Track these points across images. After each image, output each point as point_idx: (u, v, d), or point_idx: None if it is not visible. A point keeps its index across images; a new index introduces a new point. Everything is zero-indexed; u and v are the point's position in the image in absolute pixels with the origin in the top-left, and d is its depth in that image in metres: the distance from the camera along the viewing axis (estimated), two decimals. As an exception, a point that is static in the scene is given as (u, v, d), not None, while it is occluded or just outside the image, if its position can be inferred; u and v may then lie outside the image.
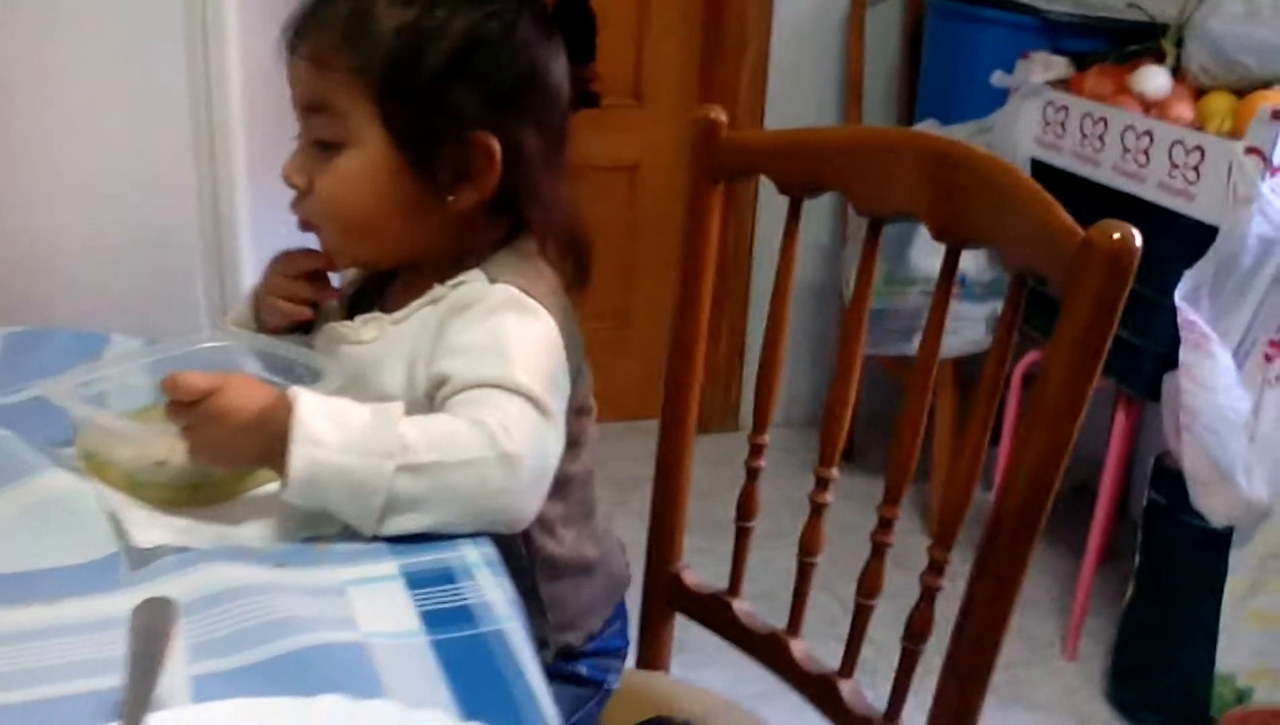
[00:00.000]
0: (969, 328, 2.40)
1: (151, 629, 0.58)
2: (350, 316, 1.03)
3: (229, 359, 0.99)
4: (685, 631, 1.27)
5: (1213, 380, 1.80)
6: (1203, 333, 1.80)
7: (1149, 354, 1.96)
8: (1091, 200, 2.05)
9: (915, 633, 1.04)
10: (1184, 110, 2.03)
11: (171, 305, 1.67)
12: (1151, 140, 1.98)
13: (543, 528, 1.02)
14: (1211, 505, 1.86)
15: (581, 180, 1.03)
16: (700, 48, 2.84)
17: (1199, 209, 1.88)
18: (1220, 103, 1.99)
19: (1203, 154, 1.87)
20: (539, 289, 0.95)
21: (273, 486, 0.88)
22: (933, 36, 2.68)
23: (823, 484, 1.12)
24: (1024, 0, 2.47)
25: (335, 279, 1.08)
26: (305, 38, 0.95)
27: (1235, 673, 1.93)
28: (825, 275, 2.87)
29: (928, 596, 1.03)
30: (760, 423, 1.17)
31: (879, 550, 1.08)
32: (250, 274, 1.66)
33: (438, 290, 0.96)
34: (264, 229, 1.68)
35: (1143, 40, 2.23)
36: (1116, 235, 0.84)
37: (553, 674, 0.85)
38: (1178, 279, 1.81)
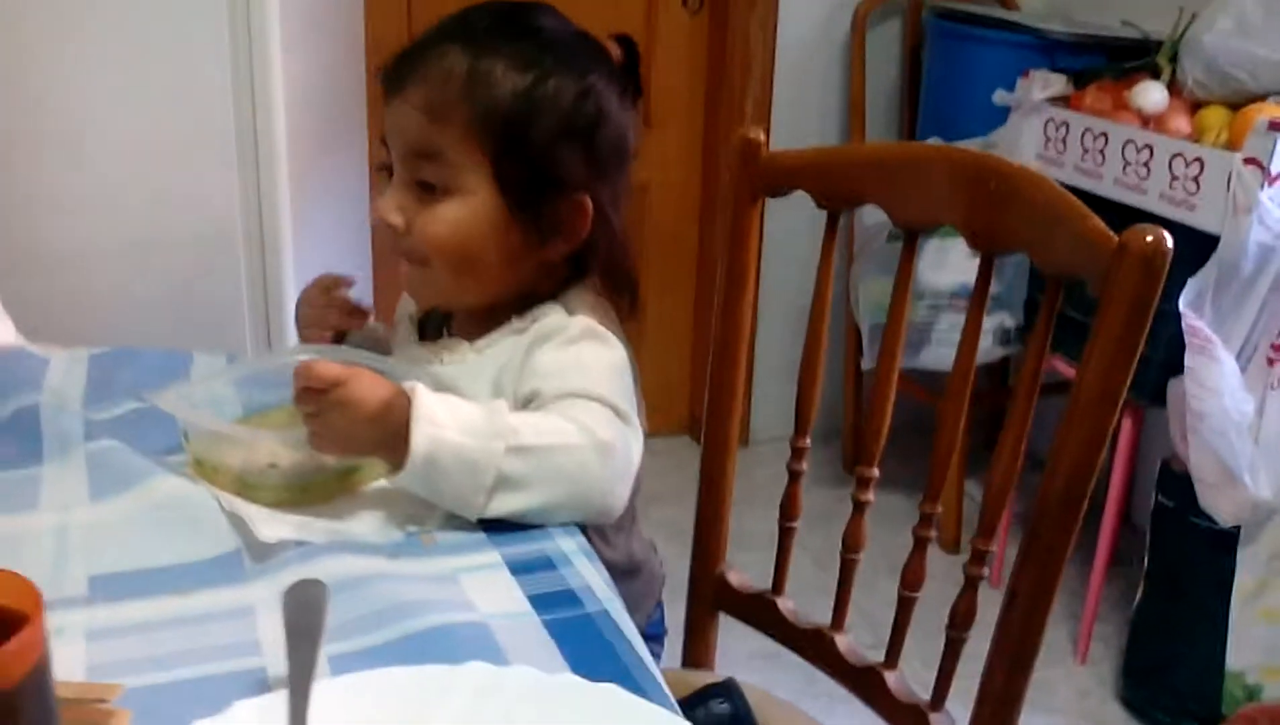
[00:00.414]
0: (977, 338, 2.44)
1: (307, 605, 0.64)
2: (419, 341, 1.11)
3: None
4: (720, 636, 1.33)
5: (1218, 384, 1.81)
6: (1207, 338, 1.81)
7: (1153, 361, 1.97)
8: (1094, 212, 2.10)
9: (960, 621, 1.08)
10: (1181, 124, 2.06)
11: (215, 314, 1.72)
12: (1152, 154, 2.01)
13: (599, 535, 1.08)
14: (1218, 506, 1.88)
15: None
16: (706, 71, 2.87)
17: (1200, 219, 1.91)
18: (1216, 116, 2.03)
19: (1203, 165, 1.90)
20: (609, 321, 1.04)
21: (379, 484, 0.94)
22: (933, 56, 2.71)
23: (864, 483, 1.17)
24: (1022, 21, 2.52)
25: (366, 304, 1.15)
26: (417, 86, 1.00)
27: (1245, 670, 1.95)
28: (833, 291, 2.90)
29: (971, 584, 1.07)
30: (802, 427, 1.23)
31: (920, 544, 1.13)
32: (292, 284, 1.70)
33: (517, 322, 1.04)
34: (305, 242, 1.73)
35: (1138, 57, 2.27)
36: (1149, 238, 0.90)
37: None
38: (1181, 287, 1.83)
